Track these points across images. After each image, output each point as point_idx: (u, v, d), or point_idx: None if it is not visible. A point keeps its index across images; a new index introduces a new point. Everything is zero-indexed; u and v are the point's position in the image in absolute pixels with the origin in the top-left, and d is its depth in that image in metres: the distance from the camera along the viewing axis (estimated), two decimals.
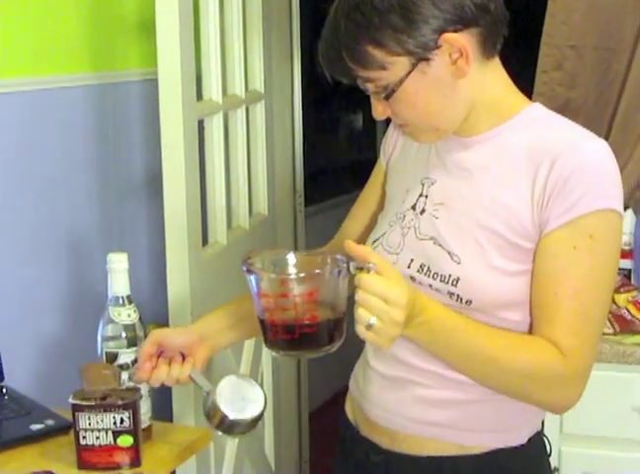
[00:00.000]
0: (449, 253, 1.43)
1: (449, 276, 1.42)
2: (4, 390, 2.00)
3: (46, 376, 2.25)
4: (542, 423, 1.63)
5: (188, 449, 1.80)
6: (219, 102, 2.40)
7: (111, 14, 2.46)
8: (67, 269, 2.35)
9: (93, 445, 1.65)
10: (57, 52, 2.29)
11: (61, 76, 2.31)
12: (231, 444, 2.49)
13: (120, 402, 1.64)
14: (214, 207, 2.42)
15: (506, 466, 1.50)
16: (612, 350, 2.15)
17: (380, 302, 1.25)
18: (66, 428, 1.76)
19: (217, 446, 2.38)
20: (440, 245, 1.45)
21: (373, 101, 1.44)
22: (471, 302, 1.41)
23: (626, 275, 2.35)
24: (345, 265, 1.30)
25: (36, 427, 1.82)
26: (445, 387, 1.47)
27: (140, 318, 1.75)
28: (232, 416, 1.51)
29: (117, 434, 1.64)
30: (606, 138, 2.43)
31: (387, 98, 1.40)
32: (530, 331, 1.43)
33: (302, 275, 1.34)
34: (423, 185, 1.52)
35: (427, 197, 1.50)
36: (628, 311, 2.23)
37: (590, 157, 1.39)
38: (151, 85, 2.23)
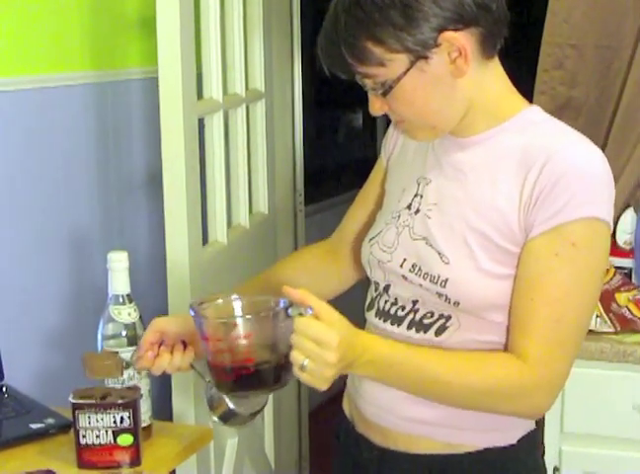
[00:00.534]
0: (439, 253, 1.43)
1: (438, 276, 1.42)
2: (4, 389, 2.00)
3: (46, 375, 2.25)
4: (543, 421, 1.62)
5: (188, 448, 1.80)
6: (220, 100, 2.39)
7: (111, 12, 2.46)
8: (67, 268, 2.35)
9: (93, 444, 1.65)
10: (58, 51, 2.29)
11: (62, 74, 2.30)
12: (231, 443, 2.49)
13: (120, 401, 1.64)
14: (214, 206, 2.42)
15: (495, 465, 1.50)
16: (613, 349, 2.15)
17: (313, 344, 1.29)
18: (66, 426, 1.76)
19: (217, 445, 2.38)
20: (430, 245, 1.45)
21: (371, 97, 1.44)
22: (459, 303, 1.42)
23: (627, 274, 2.34)
24: (281, 309, 1.34)
25: (35, 425, 1.81)
26: None
27: (140, 317, 1.75)
28: (233, 405, 1.52)
29: (117, 432, 1.64)
30: (607, 137, 2.43)
31: (385, 94, 1.40)
32: None
33: (234, 320, 1.39)
34: (419, 184, 1.52)
35: (422, 196, 1.50)
36: (629, 310, 2.22)
37: (580, 164, 1.37)
38: (152, 83, 2.23)
